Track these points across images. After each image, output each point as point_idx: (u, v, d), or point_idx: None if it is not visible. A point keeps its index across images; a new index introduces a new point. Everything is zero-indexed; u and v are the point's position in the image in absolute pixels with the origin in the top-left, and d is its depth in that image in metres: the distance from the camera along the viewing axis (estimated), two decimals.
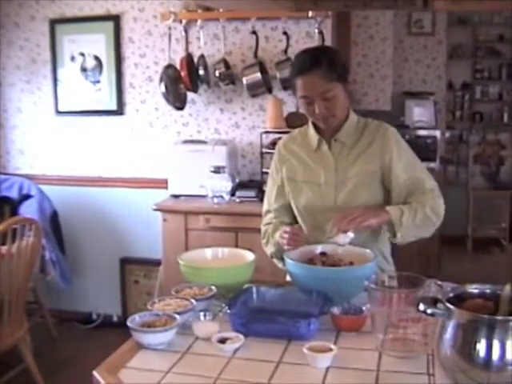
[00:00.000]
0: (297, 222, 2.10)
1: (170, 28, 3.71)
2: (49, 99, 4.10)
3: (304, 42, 3.58)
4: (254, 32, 3.57)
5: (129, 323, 1.56)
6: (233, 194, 3.50)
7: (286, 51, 3.51)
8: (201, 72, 3.66)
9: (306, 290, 1.73)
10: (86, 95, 4.01)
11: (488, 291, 1.40)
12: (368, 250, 1.87)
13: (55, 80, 4.05)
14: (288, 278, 2.01)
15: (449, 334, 1.30)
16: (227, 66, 3.64)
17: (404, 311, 1.46)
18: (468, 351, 1.26)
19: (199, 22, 3.68)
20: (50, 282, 3.85)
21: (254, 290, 1.77)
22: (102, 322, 4.14)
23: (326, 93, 1.89)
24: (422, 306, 1.34)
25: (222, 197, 3.45)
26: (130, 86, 3.96)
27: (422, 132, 5.09)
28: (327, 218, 1.97)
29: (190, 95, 3.77)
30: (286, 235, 1.93)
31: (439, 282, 1.56)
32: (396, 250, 2.07)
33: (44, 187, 3.90)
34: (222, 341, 1.52)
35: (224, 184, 3.46)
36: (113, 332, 3.70)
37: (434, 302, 1.35)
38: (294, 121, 3.37)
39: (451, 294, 1.38)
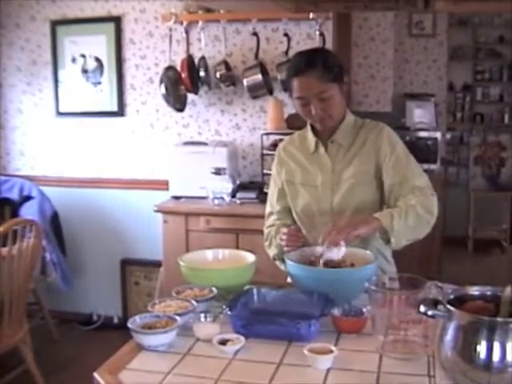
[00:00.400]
0: None
1: (170, 29, 3.71)
2: (49, 100, 4.10)
3: (305, 43, 3.58)
4: (254, 33, 3.57)
5: (129, 325, 1.56)
6: (233, 196, 3.50)
7: (286, 53, 3.51)
8: (201, 73, 3.67)
9: (306, 292, 1.73)
10: (86, 96, 4.02)
11: (489, 293, 1.40)
12: (369, 252, 1.87)
13: (56, 81, 4.05)
14: (289, 280, 2.01)
15: (449, 335, 1.30)
16: (228, 67, 3.64)
17: (404, 313, 1.46)
18: (469, 353, 1.26)
19: (200, 23, 3.69)
20: (50, 283, 3.85)
21: (255, 291, 1.77)
22: (102, 324, 4.14)
23: (322, 93, 1.89)
24: (422, 308, 1.34)
25: (222, 198, 3.45)
26: (130, 87, 3.96)
27: (422, 133, 5.07)
28: (324, 221, 1.97)
29: (191, 97, 3.77)
30: (285, 236, 1.94)
31: (440, 284, 1.56)
32: (397, 251, 2.07)
33: (45, 188, 3.90)
34: (223, 342, 1.52)
35: (225, 185, 3.47)
36: (113, 333, 3.72)
37: (434, 303, 1.35)
38: (294, 122, 3.36)
39: (452, 296, 1.38)
